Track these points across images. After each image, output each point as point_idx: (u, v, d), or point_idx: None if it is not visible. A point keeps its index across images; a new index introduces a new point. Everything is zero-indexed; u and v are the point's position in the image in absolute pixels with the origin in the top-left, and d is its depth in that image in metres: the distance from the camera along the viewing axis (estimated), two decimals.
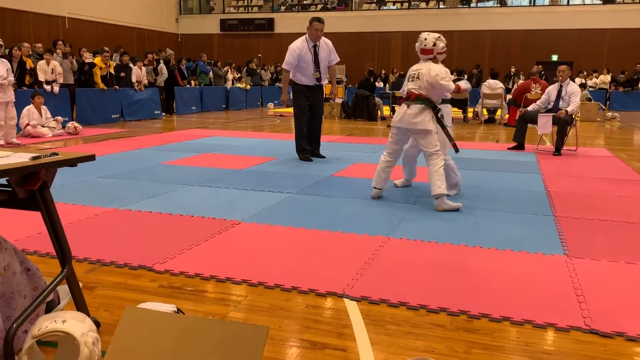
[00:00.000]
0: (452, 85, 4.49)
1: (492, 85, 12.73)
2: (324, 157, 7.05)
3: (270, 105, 17.80)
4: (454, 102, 13.03)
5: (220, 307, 2.58)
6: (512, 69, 19.24)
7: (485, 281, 2.88)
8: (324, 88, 7.03)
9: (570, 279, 2.92)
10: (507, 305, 2.58)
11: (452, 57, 21.40)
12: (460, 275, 2.97)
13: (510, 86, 17.31)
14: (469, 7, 23.49)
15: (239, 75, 18.63)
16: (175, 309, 2.16)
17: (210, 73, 16.93)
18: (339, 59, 6.99)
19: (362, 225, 3.92)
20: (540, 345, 2.23)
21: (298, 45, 6.70)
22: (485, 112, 13.18)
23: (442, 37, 4.57)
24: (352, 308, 2.56)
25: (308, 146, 6.93)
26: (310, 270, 3.02)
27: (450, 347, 2.20)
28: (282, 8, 26.12)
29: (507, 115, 12.49)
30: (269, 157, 7.16)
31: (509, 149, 8.26)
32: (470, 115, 13.67)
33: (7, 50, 9.78)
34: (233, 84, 17.70)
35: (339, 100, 14.23)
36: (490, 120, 13.13)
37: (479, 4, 23.58)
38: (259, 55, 20.92)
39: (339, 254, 3.30)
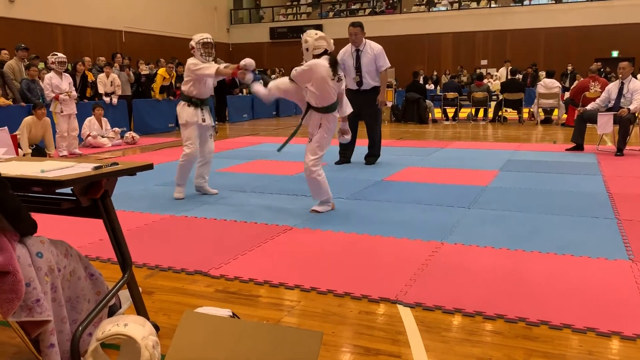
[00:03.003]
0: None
1: (548, 85, 12.35)
2: (373, 164, 7.00)
3: None
4: (508, 103, 12.77)
5: (274, 312, 2.60)
6: (569, 67, 18.58)
7: (544, 287, 2.79)
8: (374, 94, 6.92)
9: (636, 285, 2.79)
10: (568, 312, 2.48)
11: (506, 56, 20.91)
12: (518, 281, 2.89)
13: (567, 85, 16.72)
14: (522, 4, 22.88)
15: None
16: (231, 314, 2.20)
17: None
18: (388, 65, 6.87)
19: (415, 230, 3.87)
20: (605, 355, 2.14)
21: (342, 50, 6.86)
22: (541, 112, 12.79)
23: (195, 37, 4.83)
24: (406, 314, 2.53)
25: (347, 150, 6.98)
26: (363, 276, 3.01)
27: (508, 355, 2.14)
28: (331, 14, 26.25)
29: (564, 115, 12.08)
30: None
31: (567, 149, 7.97)
32: (525, 116, 13.30)
33: (71, 65, 10.28)
34: None
35: (388, 104, 14.12)
36: (547, 121, 12.74)
37: (533, 2, 22.92)
38: None
39: (392, 259, 3.28)
